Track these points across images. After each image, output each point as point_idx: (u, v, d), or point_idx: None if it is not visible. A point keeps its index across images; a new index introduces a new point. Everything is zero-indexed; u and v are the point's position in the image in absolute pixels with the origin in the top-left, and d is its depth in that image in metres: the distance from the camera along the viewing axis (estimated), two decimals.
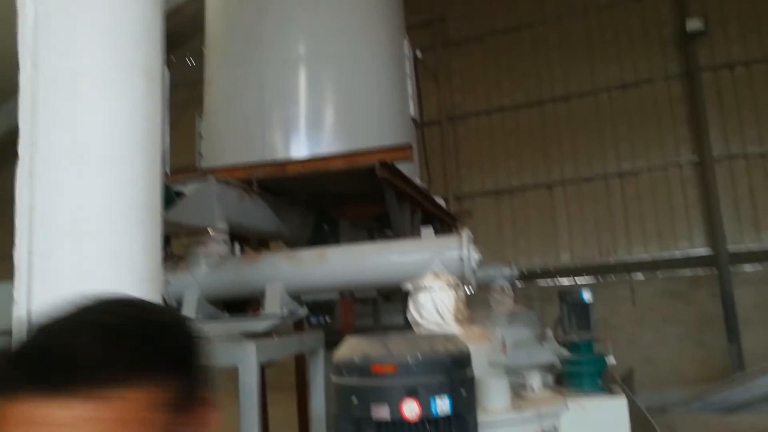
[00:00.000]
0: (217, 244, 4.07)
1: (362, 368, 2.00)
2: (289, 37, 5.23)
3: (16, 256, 1.77)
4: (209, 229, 4.01)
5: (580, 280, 13.05)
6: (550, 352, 4.23)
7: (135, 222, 1.85)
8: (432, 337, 2.19)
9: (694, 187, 12.71)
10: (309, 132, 4.94)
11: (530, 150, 13.90)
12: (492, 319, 5.57)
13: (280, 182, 4.58)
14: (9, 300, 1.76)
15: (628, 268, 12.92)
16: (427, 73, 11.87)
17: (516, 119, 14.11)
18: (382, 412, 1.92)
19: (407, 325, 3.44)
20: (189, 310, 3.96)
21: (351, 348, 2.13)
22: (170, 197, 3.55)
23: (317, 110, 4.99)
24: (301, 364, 6.17)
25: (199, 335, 0.83)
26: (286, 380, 6.84)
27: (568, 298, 3.41)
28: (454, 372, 2.02)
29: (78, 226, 1.75)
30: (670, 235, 12.77)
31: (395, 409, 1.90)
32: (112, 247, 1.80)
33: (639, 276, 12.87)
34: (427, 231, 4.15)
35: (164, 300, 3.96)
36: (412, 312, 3.33)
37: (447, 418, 1.96)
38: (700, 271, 12.46)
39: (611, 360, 3.33)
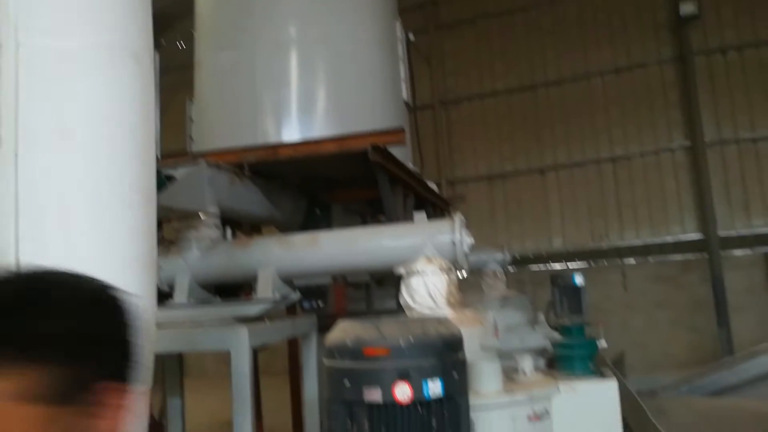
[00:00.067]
0: (208, 229, 4.04)
1: (354, 351, 2.00)
2: (280, 19, 5.16)
3: (2, 241, 1.75)
4: (200, 214, 3.98)
5: (572, 264, 13.12)
6: (542, 336, 4.25)
7: (126, 206, 1.82)
8: (424, 321, 2.18)
9: (685, 172, 12.75)
10: (300, 115, 4.89)
11: (523, 135, 13.89)
12: (484, 304, 5.59)
13: (272, 166, 4.54)
14: None
15: (620, 252, 12.99)
16: (420, 57, 11.79)
17: (509, 104, 14.08)
18: (374, 395, 1.92)
19: (400, 310, 3.44)
20: (180, 294, 3.94)
21: (343, 331, 2.12)
22: (161, 181, 3.52)
23: (309, 93, 4.95)
24: (293, 349, 6.18)
25: (126, 320, 0.76)
26: (279, 365, 6.86)
27: (560, 282, 3.41)
28: (446, 355, 2.01)
29: (65, 210, 1.72)
30: (662, 220, 12.84)
31: (387, 391, 1.90)
32: (102, 231, 1.77)
33: (630, 261, 12.95)
34: (420, 216, 4.14)
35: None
36: (405, 296, 3.33)
37: (439, 401, 1.96)
38: (690, 256, 12.55)
39: (602, 343, 3.35)
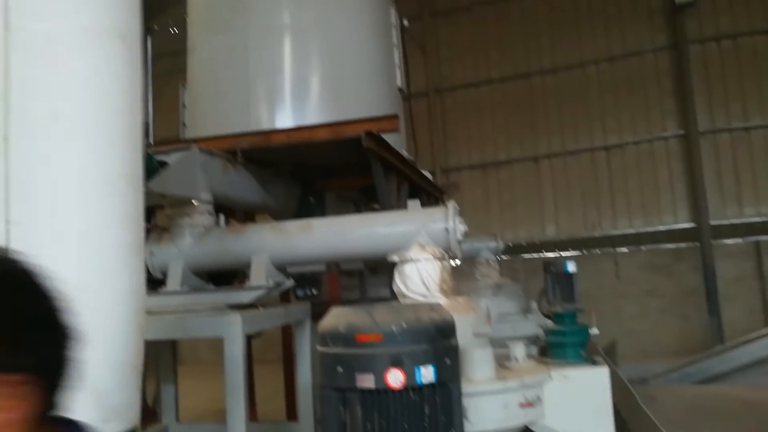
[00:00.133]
0: (201, 216, 4.02)
1: (347, 338, 2.00)
2: (274, 4, 5.12)
3: None
4: (193, 200, 3.96)
5: (565, 253, 13.17)
6: (535, 324, 4.27)
7: (114, 189, 1.81)
8: (417, 307, 2.19)
9: (679, 160, 12.79)
10: (294, 102, 4.87)
11: (517, 123, 13.88)
12: (477, 292, 5.61)
13: (265, 153, 4.52)
14: None
15: (613, 241, 13.05)
16: (415, 44, 11.73)
17: (503, 92, 14.05)
18: (366, 381, 1.92)
19: (394, 298, 3.44)
20: (174, 281, 3.93)
21: (336, 318, 2.12)
22: (153, 167, 3.49)
23: (302, 80, 4.91)
24: (287, 337, 6.19)
25: (21, 295, 0.70)
26: (273, 353, 6.87)
27: (553, 269, 3.42)
28: (439, 341, 2.02)
29: (56, 193, 1.70)
30: (655, 208, 12.89)
31: (380, 378, 1.91)
32: (90, 214, 1.76)
33: (623, 249, 13.01)
34: (414, 203, 4.13)
35: (147, 270, 3.93)
36: (398, 283, 3.34)
37: (431, 387, 1.97)
38: (682, 245, 12.62)
39: (594, 331, 3.36)
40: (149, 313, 3.02)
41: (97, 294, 1.75)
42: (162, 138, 5.39)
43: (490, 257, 6.89)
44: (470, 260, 6.93)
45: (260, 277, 3.80)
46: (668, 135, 12.88)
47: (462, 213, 3.75)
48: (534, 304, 4.63)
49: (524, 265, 13.06)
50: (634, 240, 12.96)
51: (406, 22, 6.20)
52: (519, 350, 3.04)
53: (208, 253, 4.02)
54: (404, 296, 3.26)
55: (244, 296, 3.78)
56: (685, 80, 12.54)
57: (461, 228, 3.64)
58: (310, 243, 3.89)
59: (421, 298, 3.16)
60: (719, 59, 12.61)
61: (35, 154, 1.70)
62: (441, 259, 3.39)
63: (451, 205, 3.70)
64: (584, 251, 13.15)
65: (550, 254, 13.30)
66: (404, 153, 5.48)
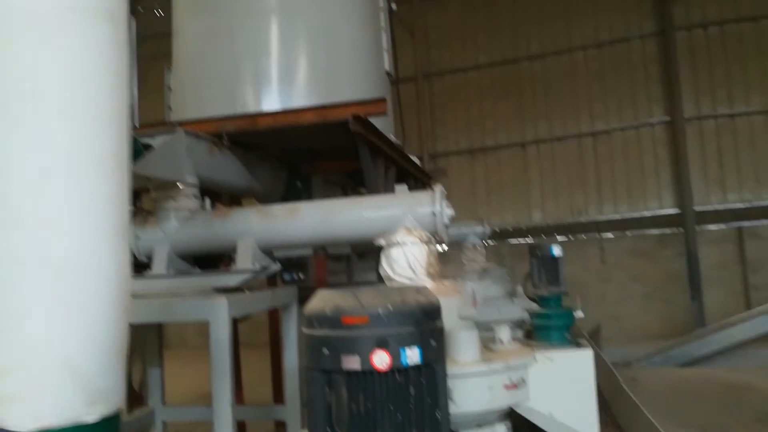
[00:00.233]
0: (187, 199, 4.00)
1: (333, 320, 2.00)
2: None
3: None
4: (178, 184, 3.93)
5: (552, 238, 13.28)
6: (520, 308, 4.30)
7: (100, 171, 1.79)
8: (403, 290, 2.19)
9: (664, 147, 12.89)
10: (281, 85, 4.82)
11: (505, 108, 13.90)
12: (463, 276, 5.63)
13: (251, 136, 4.49)
14: None
15: (599, 227, 13.16)
16: (403, 28, 11.65)
17: (491, 77, 14.05)
18: (352, 363, 1.93)
19: (380, 282, 3.45)
20: (159, 265, 3.91)
21: (322, 300, 2.12)
22: (138, 150, 3.46)
23: (289, 62, 4.86)
24: (274, 321, 6.19)
25: None
26: (261, 338, 6.88)
27: (538, 253, 3.43)
28: (424, 323, 2.03)
29: (38, 174, 1.68)
30: (640, 194, 13.01)
31: (365, 359, 1.91)
32: (76, 196, 1.73)
33: (609, 235, 13.13)
34: (401, 188, 4.13)
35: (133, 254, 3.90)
36: (385, 267, 3.34)
37: (417, 368, 1.98)
38: (667, 230, 12.76)
39: (579, 314, 3.39)
40: (134, 296, 3.01)
41: (82, 275, 1.73)
42: (148, 121, 5.32)
43: (476, 242, 6.91)
44: (457, 245, 6.96)
45: (246, 260, 3.79)
46: (654, 121, 12.97)
47: (449, 198, 3.76)
48: (520, 289, 4.66)
49: (510, 251, 13.16)
50: (620, 226, 13.08)
51: (394, 6, 6.16)
52: (504, 333, 3.06)
53: (194, 237, 3.99)
54: (391, 280, 3.27)
55: (230, 280, 3.77)
56: (672, 67, 12.61)
57: (448, 212, 3.65)
58: (296, 227, 3.88)
59: (407, 282, 3.17)
60: (706, 46, 12.68)
61: (17, 134, 1.67)
62: (427, 243, 3.40)
63: (438, 189, 3.71)
64: (570, 237, 13.26)
65: (537, 239, 13.41)
66: (392, 137, 5.46)
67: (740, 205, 12.39)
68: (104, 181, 1.79)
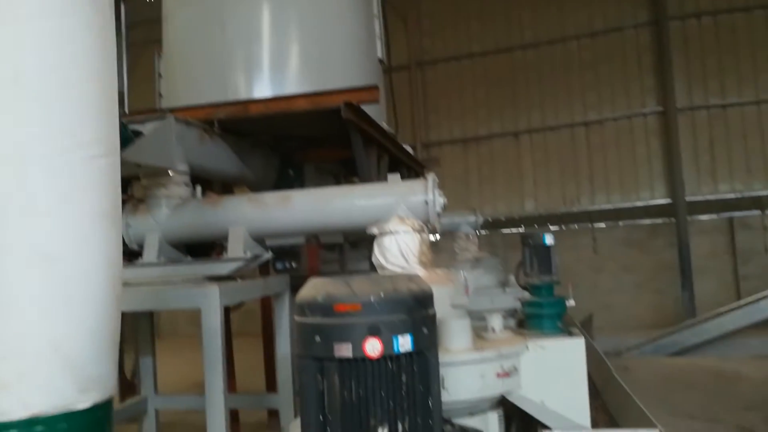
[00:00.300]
0: (177, 187, 3.97)
1: (325, 307, 1.99)
2: None
3: None
4: (169, 171, 3.90)
5: (544, 228, 13.32)
6: (513, 298, 4.31)
7: (87, 156, 1.76)
8: (395, 278, 2.18)
9: (657, 137, 12.92)
10: (272, 72, 4.78)
11: (498, 97, 13.87)
12: (456, 265, 5.64)
13: (243, 123, 4.45)
14: None
15: (591, 216, 13.20)
16: (396, 16, 11.58)
17: (485, 66, 14.00)
18: (344, 350, 1.92)
19: (373, 270, 3.44)
20: (150, 253, 3.89)
21: (314, 288, 2.11)
22: (128, 137, 3.42)
23: (281, 49, 4.82)
24: (267, 309, 6.18)
25: None
26: (253, 327, 6.87)
27: (530, 242, 3.43)
28: (416, 311, 2.02)
29: (23, 160, 1.65)
30: (632, 184, 13.05)
31: (358, 347, 1.91)
32: (62, 183, 1.71)
33: (601, 225, 13.17)
34: (394, 177, 4.11)
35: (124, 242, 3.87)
36: (377, 255, 3.33)
37: (408, 356, 1.97)
38: (659, 220, 12.82)
39: (571, 302, 3.40)
40: (126, 285, 2.98)
41: (73, 263, 1.71)
42: (139, 109, 5.27)
43: (469, 232, 6.93)
44: (450, 235, 6.97)
45: (238, 249, 3.78)
46: (647, 111, 12.99)
47: (442, 188, 3.75)
48: (512, 278, 4.67)
49: (503, 240, 13.19)
50: (612, 215, 13.13)
51: None
52: (496, 321, 3.06)
53: (185, 225, 3.97)
54: (383, 268, 3.26)
55: (222, 268, 3.76)
56: (665, 57, 12.61)
57: (441, 200, 3.64)
58: (288, 215, 3.86)
59: (399, 270, 3.16)
60: (699, 36, 12.69)
61: (1, 119, 1.64)
62: (420, 231, 3.39)
63: (431, 177, 3.69)
64: (563, 226, 13.29)
65: (529, 229, 13.45)
66: (385, 126, 5.43)
67: (731, 196, 12.46)
68: (91, 167, 1.76)
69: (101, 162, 1.80)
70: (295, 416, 4.40)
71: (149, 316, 5.03)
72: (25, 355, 1.62)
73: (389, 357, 1.93)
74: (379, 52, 5.71)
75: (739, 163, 12.44)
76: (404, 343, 1.95)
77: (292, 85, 4.70)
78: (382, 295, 1.98)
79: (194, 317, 3.65)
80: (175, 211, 3.95)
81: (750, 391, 6.48)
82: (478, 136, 14.04)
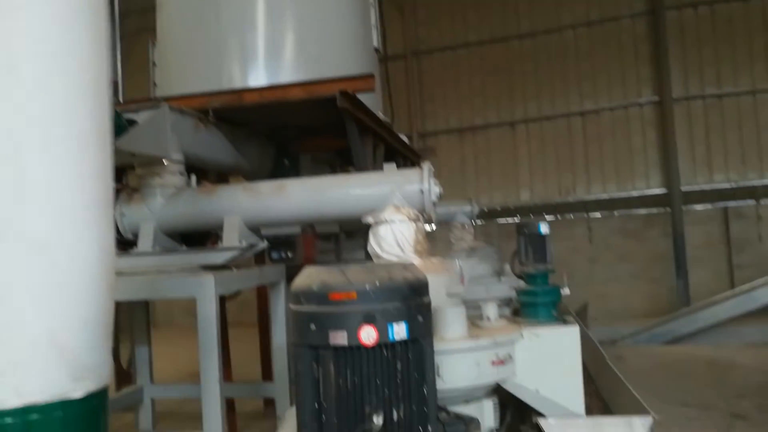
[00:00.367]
0: (172, 176, 3.95)
1: (320, 296, 1.99)
2: None
3: None
4: (164, 160, 3.89)
5: (540, 218, 13.34)
6: (508, 287, 4.32)
7: (80, 144, 1.75)
8: (390, 266, 2.18)
9: (652, 127, 12.92)
10: (267, 61, 4.75)
11: (494, 87, 13.83)
12: (451, 254, 5.65)
13: (238, 112, 4.43)
14: None
15: (587, 206, 13.22)
16: (392, 5, 11.52)
17: (481, 55, 13.95)
18: (339, 338, 1.92)
19: (369, 260, 3.44)
20: (145, 242, 3.88)
21: (309, 276, 2.11)
22: (122, 125, 3.40)
23: (276, 38, 4.78)
24: (262, 299, 6.19)
25: None
26: (249, 317, 6.89)
27: (526, 230, 3.43)
28: (412, 299, 2.03)
29: (13, 148, 1.64)
30: (628, 174, 13.06)
31: (353, 335, 1.91)
32: (55, 170, 1.69)
33: (596, 214, 13.19)
34: (390, 166, 4.11)
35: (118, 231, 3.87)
36: (373, 244, 3.33)
37: (404, 344, 1.98)
38: (654, 210, 12.84)
39: (566, 291, 3.41)
40: (121, 274, 2.98)
41: (65, 251, 1.70)
42: (133, 98, 5.23)
43: (465, 221, 6.94)
44: (445, 224, 6.98)
45: (233, 238, 3.77)
46: (643, 101, 12.97)
47: (438, 177, 3.75)
48: (507, 268, 4.68)
49: (499, 230, 13.21)
50: (608, 205, 13.15)
51: None
52: (491, 309, 3.07)
53: (180, 214, 3.96)
54: (379, 257, 3.26)
55: (217, 257, 3.76)
56: (662, 46, 12.58)
57: (436, 190, 3.63)
58: (283, 204, 3.85)
59: (395, 259, 3.16)
60: (695, 25, 12.66)
61: None
62: (416, 220, 3.39)
63: (427, 166, 3.69)
64: (558, 216, 13.31)
65: (525, 219, 13.47)
66: (380, 115, 5.42)
67: (726, 186, 12.49)
68: (84, 155, 1.75)
69: (93, 150, 1.79)
70: (291, 405, 4.42)
71: (145, 306, 5.03)
72: (18, 344, 1.62)
73: (384, 345, 1.94)
74: (375, 41, 5.68)
75: (734, 153, 12.47)
76: (399, 331, 1.95)
77: (287, 74, 4.68)
78: (378, 283, 1.98)
79: (190, 306, 3.64)
80: (169, 200, 3.94)
81: (743, 378, 6.53)
82: (474, 125, 14.01)
